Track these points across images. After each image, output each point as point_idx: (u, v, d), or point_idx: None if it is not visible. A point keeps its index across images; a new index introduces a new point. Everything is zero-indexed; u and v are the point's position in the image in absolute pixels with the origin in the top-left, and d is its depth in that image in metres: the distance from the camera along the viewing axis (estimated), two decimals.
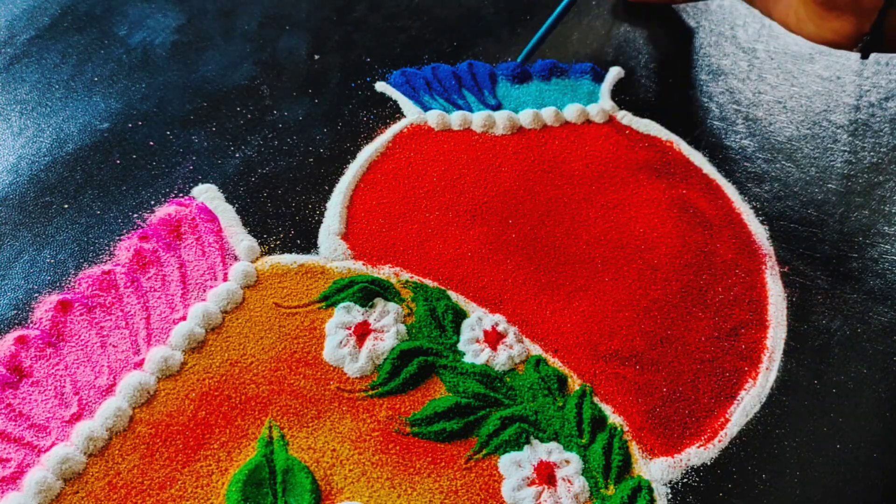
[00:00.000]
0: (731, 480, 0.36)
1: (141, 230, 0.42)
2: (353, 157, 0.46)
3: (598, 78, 0.52)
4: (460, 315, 0.40)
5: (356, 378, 0.37)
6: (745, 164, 0.48)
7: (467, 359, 0.38)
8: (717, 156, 0.48)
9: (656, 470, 0.36)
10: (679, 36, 0.56)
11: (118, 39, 0.52)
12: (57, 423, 0.35)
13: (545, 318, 0.40)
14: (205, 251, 0.41)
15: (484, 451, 0.36)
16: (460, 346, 0.39)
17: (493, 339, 0.39)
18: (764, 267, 0.43)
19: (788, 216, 0.46)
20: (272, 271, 0.41)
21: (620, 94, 0.52)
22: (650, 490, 0.35)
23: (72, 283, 0.40)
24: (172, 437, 0.35)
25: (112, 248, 0.41)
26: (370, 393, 0.37)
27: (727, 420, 0.38)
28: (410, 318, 0.40)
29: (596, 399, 0.38)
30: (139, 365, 0.37)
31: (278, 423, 0.36)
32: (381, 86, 0.50)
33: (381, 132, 0.48)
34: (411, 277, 0.41)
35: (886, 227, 0.46)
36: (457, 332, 0.39)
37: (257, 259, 0.41)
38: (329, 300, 0.40)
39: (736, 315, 0.41)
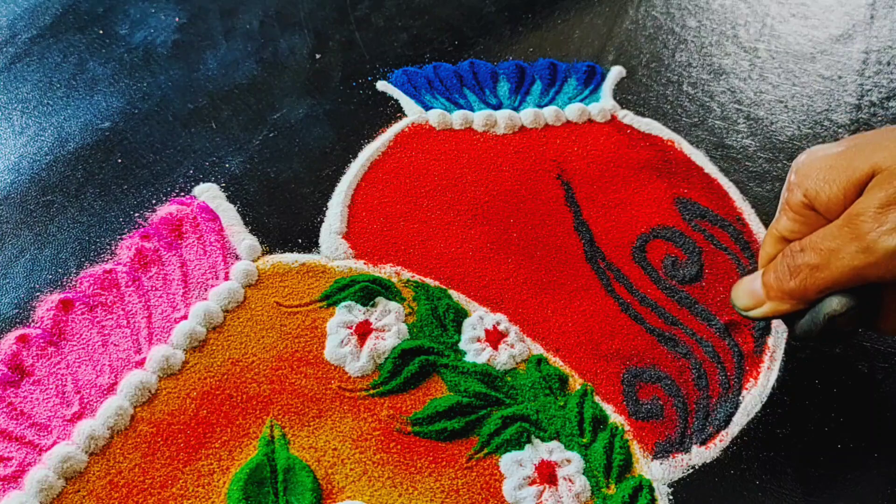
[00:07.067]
0: (732, 480, 0.36)
1: (142, 229, 0.42)
2: (355, 156, 0.46)
3: (599, 77, 0.52)
4: (461, 314, 0.40)
5: (357, 377, 0.37)
6: (747, 163, 0.48)
7: (468, 358, 0.38)
8: (719, 155, 0.48)
9: (657, 469, 0.36)
10: (681, 35, 0.56)
11: (120, 38, 0.52)
12: (58, 422, 0.35)
13: (546, 318, 0.40)
14: (206, 250, 0.41)
15: (485, 451, 0.36)
16: (461, 346, 0.39)
17: (495, 338, 0.39)
18: None
19: None
20: (273, 270, 0.41)
21: (622, 93, 0.52)
22: (651, 489, 0.35)
23: (73, 282, 0.40)
24: (174, 436, 0.35)
25: (113, 247, 0.41)
26: (371, 392, 0.37)
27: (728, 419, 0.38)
28: (412, 318, 0.40)
29: (597, 398, 0.38)
30: (140, 364, 0.37)
31: (279, 422, 0.36)
32: (382, 85, 0.50)
33: (383, 131, 0.48)
34: (412, 276, 0.41)
35: None
36: (458, 331, 0.39)
37: (258, 258, 0.41)
38: (330, 299, 0.40)
39: (738, 314, 0.41)
